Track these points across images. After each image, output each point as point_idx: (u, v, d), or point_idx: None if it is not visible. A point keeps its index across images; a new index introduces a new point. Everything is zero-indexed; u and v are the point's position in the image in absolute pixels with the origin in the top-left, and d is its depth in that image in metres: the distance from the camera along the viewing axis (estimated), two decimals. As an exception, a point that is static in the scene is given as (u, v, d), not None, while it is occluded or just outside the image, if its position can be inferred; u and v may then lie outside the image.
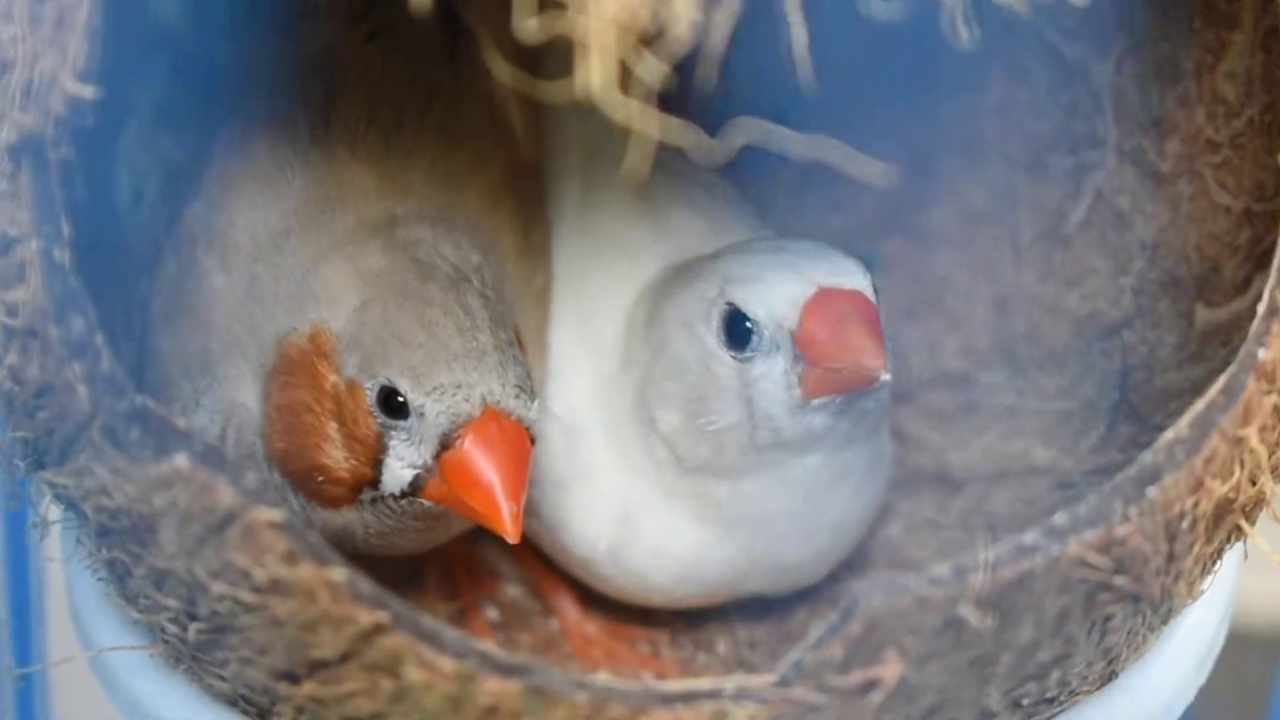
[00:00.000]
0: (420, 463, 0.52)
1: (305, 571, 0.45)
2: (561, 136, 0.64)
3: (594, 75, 0.41)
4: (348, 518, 0.55)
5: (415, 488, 0.53)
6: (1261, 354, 0.50)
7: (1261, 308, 0.51)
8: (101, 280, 0.57)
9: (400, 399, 0.52)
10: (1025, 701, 0.50)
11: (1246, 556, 0.55)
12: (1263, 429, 0.50)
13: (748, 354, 0.56)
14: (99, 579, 0.52)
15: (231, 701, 0.50)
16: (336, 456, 0.53)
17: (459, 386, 0.52)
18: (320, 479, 0.54)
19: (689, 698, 0.46)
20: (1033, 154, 0.67)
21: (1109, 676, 0.52)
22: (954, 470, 0.67)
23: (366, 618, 0.46)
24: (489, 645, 0.46)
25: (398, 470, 0.53)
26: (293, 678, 0.47)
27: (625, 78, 0.41)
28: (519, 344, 0.54)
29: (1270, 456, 0.51)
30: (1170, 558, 0.50)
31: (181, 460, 0.46)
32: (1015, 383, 0.67)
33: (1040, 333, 0.67)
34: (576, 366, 0.61)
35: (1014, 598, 0.47)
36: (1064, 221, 0.66)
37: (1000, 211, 0.68)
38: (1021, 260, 0.67)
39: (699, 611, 0.64)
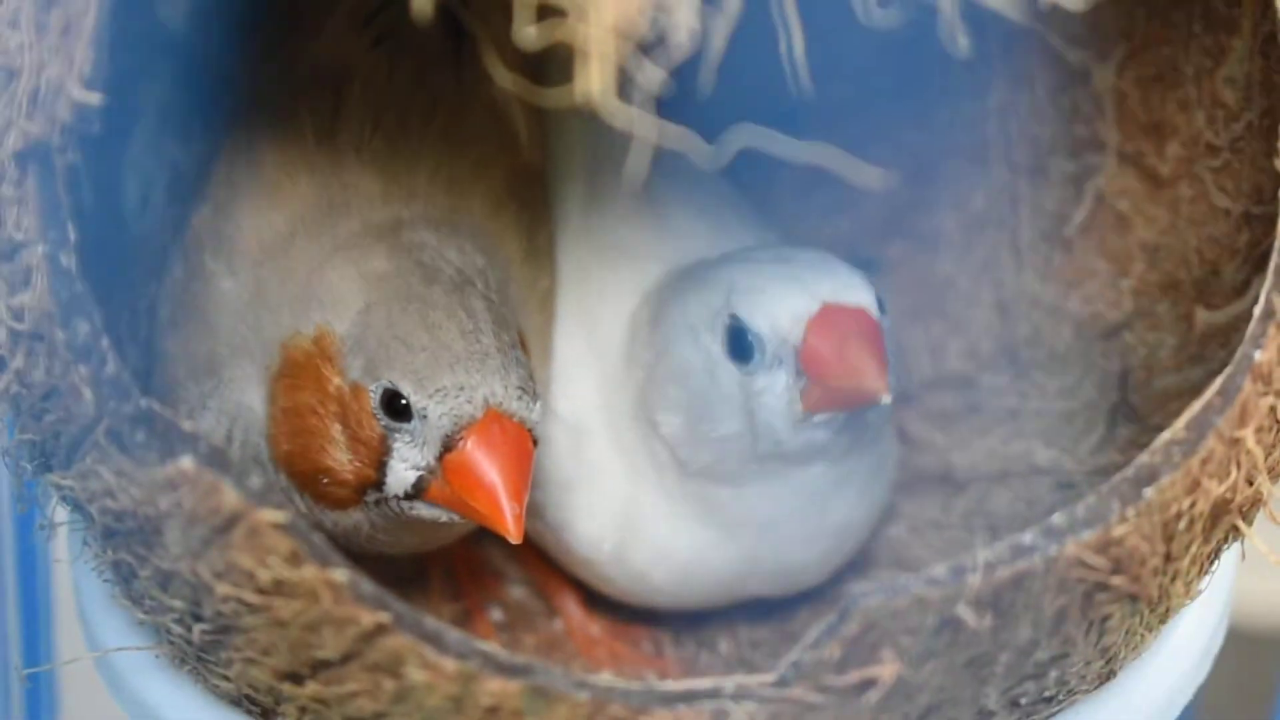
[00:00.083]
0: (423, 464, 0.53)
1: (308, 572, 0.46)
2: (565, 141, 0.64)
3: (594, 82, 0.41)
4: (353, 519, 0.55)
5: (419, 489, 0.53)
6: (1258, 356, 0.50)
7: (1258, 310, 0.51)
8: (108, 284, 0.57)
9: (403, 401, 0.52)
10: (1023, 701, 0.50)
11: (1244, 556, 0.55)
12: (1259, 430, 0.51)
13: (750, 367, 0.56)
14: (105, 580, 0.52)
15: (236, 702, 0.50)
16: (341, 459, 0.54)
17: (461, 388, 0.52)
18: (325, 481, 0.54)
19: (689, 697, 0.47)
20: (1034, 157, 0.67)
21: (1107, 676, 0.53)
22: (957, 471, 0.67)
23: (368, 618, 0.46)
24: (490, 645, 0.47)
25: (401, 472, 0.53)
26: (296, 678, 0.48)
27: (624, 83, 0.42)
28: (522, 346, 0.55)
29: (1267, 457, 0.51)
30: (1167, 558, 0.50)
31: (186, 462, 0.46)
32: (1017, 384, 0.67)
33: (1041, 334, 0.67)
34: (581, 368, 0.62)
35: (1011, 597, 0.47)
36: (1065, 224, 0.66)
37: (1001, 214, 0.68)
38: (1022, 263, 0.68)
39: (702, 611, 0.64)
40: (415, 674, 0.47)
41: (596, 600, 0.64)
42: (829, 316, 0.55)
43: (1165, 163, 0.62)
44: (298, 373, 0.54)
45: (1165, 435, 0.49)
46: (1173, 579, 0.51)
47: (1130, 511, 0.48)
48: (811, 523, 0.60)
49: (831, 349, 0.54)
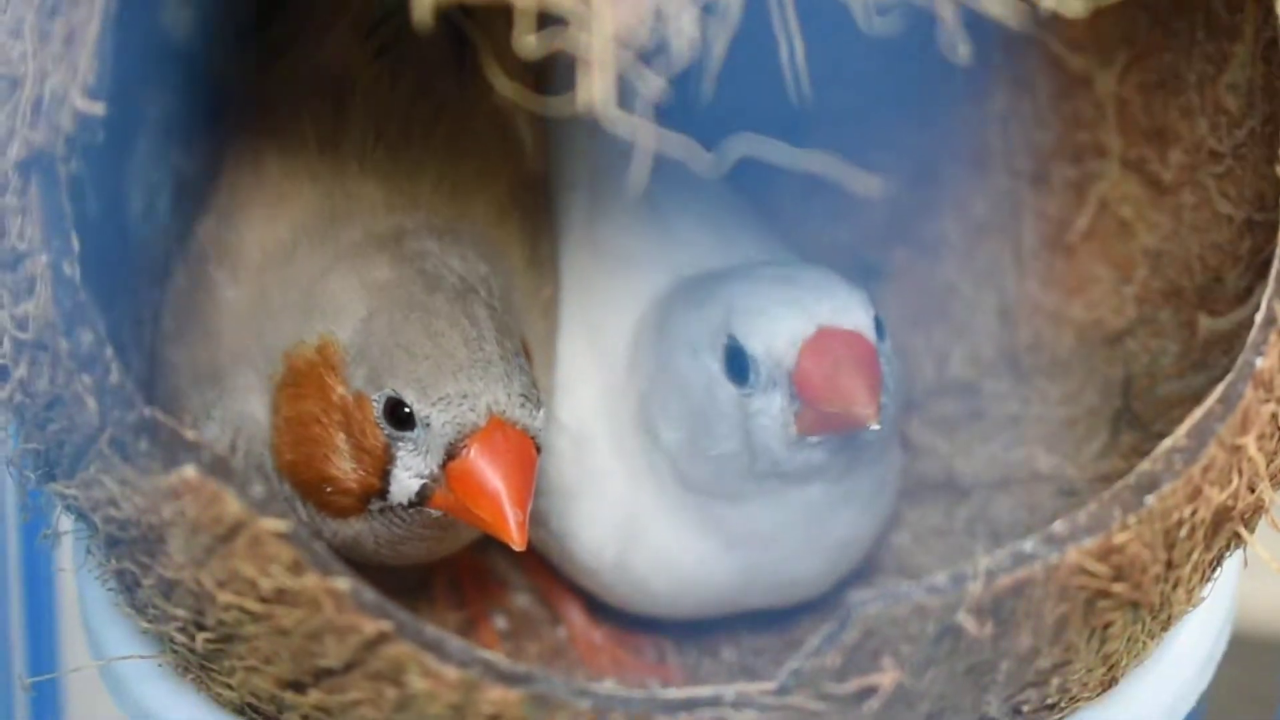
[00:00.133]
0: (427, 473, 0.53)
1: (310, 581, 0.46)
2: (568, 149, 0.65)
3: (594, 90, 0.41)
4: (357, 528, 0.55)
5: (422, 497, 0.53)
6: (1259, 363, 0.50)
7: (1259, 317, 0.51)
8: (112, 293, 0.57)
9: (406, 410, 0.52)
10: (1025, 708, 0.50)
11: (1246, 564, 0.55)
12: (1261, 437, 0.51)
13: (747, 388, 0.56)
14: (109, 589, 0.52)
15: (239, 710, 0.51)
16: (344, 468, 0.54)
17: (465, 396, 0.52)
18: (329, 490, 0.54)
19: (690, 705, 0.47)
20: (1036, 164, 0.67)
21: (1109, 683, 0.53)
22: (960, 478, 0.67)
23: (370, 627, 0.46)
24: (492, 654, 0.47)
25: (405, 480, 0.53)
26: (299, 686, 0.48)
27: (625, 92, 0.42)
28: (525, 354, 0.55)
29: (1268, 464, 0.51)
30: (1169, 565, 0.50)
31: (189, 471, 0.46)
32: (1019, 391, 0.67)
33: (1044, 341, 0.67)
34: (584, 377, 0.62)
35: (1012, 605, 0.47)
36: (1067, 231, 0.66)
37: (1004, 221, 0.68)
38: (1025, 269, 0.68)
39: (705, 619, 0.64)
40: (417, 682, 0.47)
41: (599, 608, 0.64)
42: (823, 340, 0.55)
43: (1168, 169, 0.62)
44: (301, 382, 0.54)
45: (1167, 443, 0.49)
46: (1174, 586, 0.51)
47: (1132, 519, 0.48)
48: (813, 538, 0.60)
49: (823, 373, 0.54)
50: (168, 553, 0.47)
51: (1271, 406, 0.51)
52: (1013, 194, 0.68)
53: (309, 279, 0.56)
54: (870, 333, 0.56)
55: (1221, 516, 0.50)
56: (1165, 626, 0.53)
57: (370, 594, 0.46)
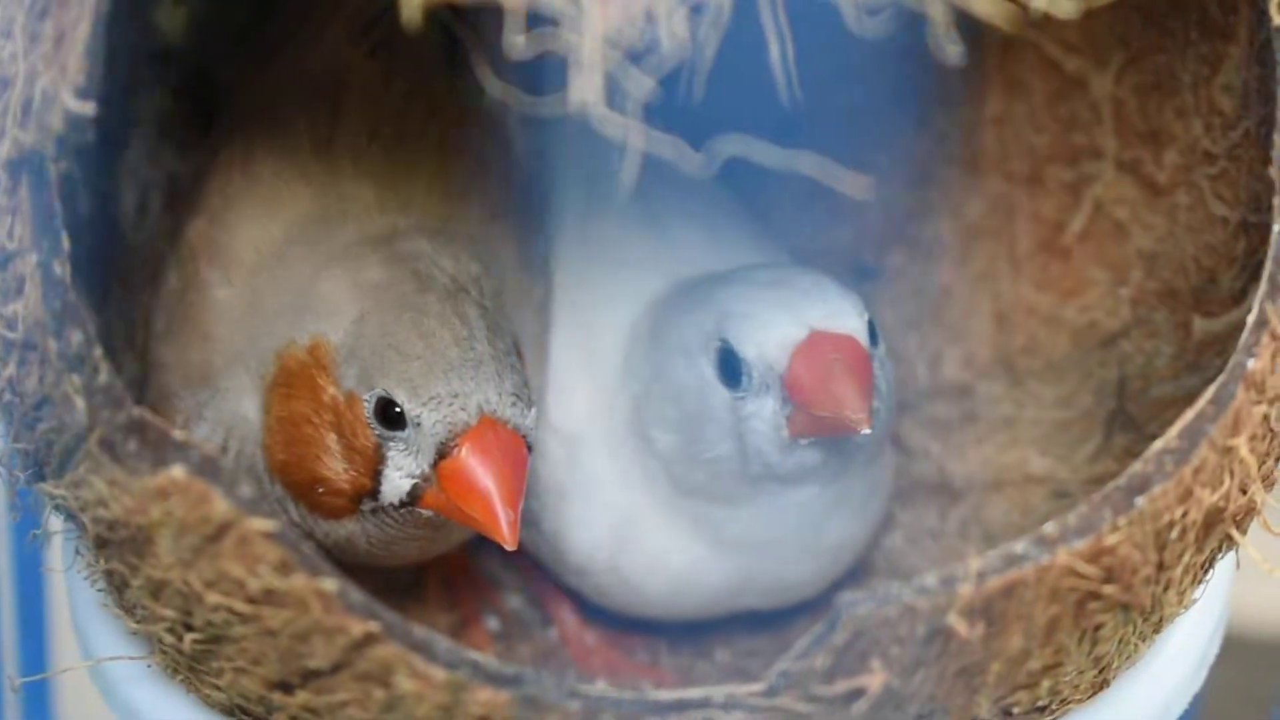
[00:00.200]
0: (418, 472, 0.53)
1: (298, 581, 0.46)
2: (561, 150, 0.65)
3: (583, 91, 0.41)
4: (349, 529, 0.55)
5: (414, 497, 0.53)
6: (1250, 364, 0.50)
7: (1251, 318, 0.51)
8: (105, 293, 0.57)
9: (397, 409, 0.52)
10: (1016, 710, 0.50)
11: (1239, 565, 0.55)
12: (1252, 438, 0.51)
13: (740, 392, 0.56)
14: (98, 590, 0.52)
15: (228, 711, 0.50)
16: (336, 468, 0.54)
17: (455, 396, 0.52)
18: (320, 490, 0.54)
19: (679, 707, 0.47)
20: (1031, 166, 0.67)
21: (1101, 685, 0.53)
22: (953, 480, 0.67)
23: (358, 628, 0.46)
24: (480, 655, 0.47)
25: (396, 480, 0.53)
26: (287, 687, 0.48)
27: (614, 92, 0.42)
28: (518, 353, 0.55)
29: (1260, 466, 0.51)
30: (1160, 567, 0.50)
31: (178, 471, 0.46)
32: (1013, 393, 0.67)
33: (1038, 343, 0.67)
34: (576, 378, 0.62)
35: (1003, 607, 0.47)
36: (1062, 233, 0.66)
37: (999, 223, 0.68)
38: (1020, 272, 0.67)
39: (698, 621, 0.64)
40: (405, 683, 0.47)
41: (592, 609, 0.64)
42: (816, 344, 0.55)
43: (1163, 171, 0.62)
44: (293, 382, 0.54)
45: (1158, 444, 0.49)
46: (1166, 588, 0.50)
47: (1122, 520, 0.48)
48: (806, 541, 0.60)
49: (815, 377, 0.54)
50: (156, 553, 0.47)
51: (1263, 408, 0.51)
52: (1007, 196, 0.68)
53: (301, 279, 0.56)
54: (863, 337, 0.56)
55: (1213, 518, 0.50)
56: (1157, 629, 0.52)
57: (358, 595, 0.46)
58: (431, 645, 0.47)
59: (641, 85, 0.41)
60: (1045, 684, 0.50)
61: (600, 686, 0.47)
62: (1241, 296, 0.58)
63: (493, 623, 0.65)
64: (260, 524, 0.46)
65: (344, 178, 0.58)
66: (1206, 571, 0.52)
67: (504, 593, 0.66)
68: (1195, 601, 0.53)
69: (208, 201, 0.58)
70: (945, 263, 0.70)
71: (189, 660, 0.50)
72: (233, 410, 0.56)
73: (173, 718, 0.52)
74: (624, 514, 0.60)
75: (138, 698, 0.53)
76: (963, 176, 0.69)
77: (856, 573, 0.64)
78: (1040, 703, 0.50)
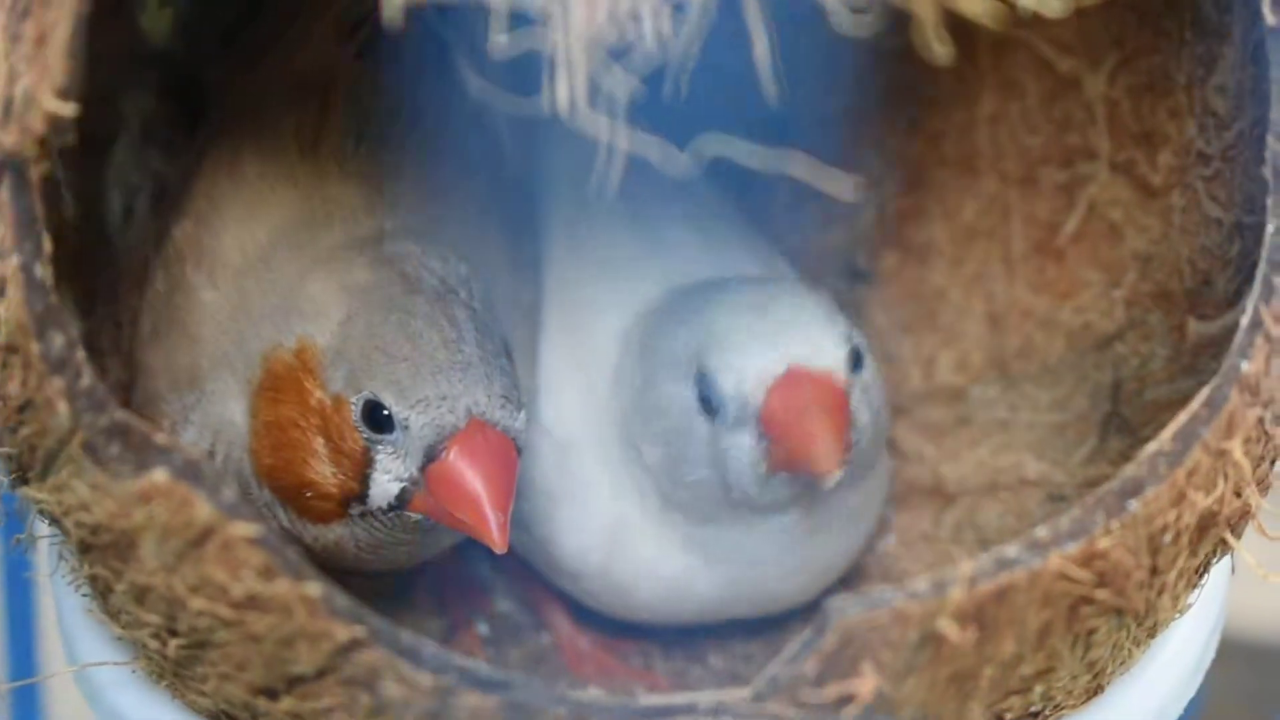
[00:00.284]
0: (407, 476, 0.52)
1: (281, 586, 0.46)
2: (551, 150, 0.64)
3: (564, 90, 0.41)
4: (338, 533, 0.55)
5: (402, 501, 0.53)
6: (1245, 366, 0.50)
7: (1244, 320, 0.51)
8: (91, 296, 0.57)
9: (385, 412, 0.52)
10: (1009, 716, 0.50)
11: (1235, 570, 0.55)
12: (1247, 441, 0.50)
13: (719, 422, 0.56)
14: (83, 595, 0.52)
15: (214, 717, 0.50)
16: (324, 472, 0.53)
17: (444, 398, 0.52)
18: (308, 494, 0.54)
19: (666, 712, 0.46)
20: (1025, 167, 0.67)
21: (1095, 691, 0.52)
22: (947, 483, 0.67)
23: (343, 633, 0.46)
24: (467, 660, 0.46)
25: (384, 484, 0.53)
26: (271, 693, 0.48)
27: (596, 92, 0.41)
28: (507, 355, 0.54)
29: (1255, 469, 0.51)
30: (1154, 571, 0.49)
31: (160, 475, 0.46)
32: (1008, 396, 0.67)
33: (1033, 346, 0.66)
34: (567, 381, 0.61)
35: (994, 611, 0.47)
36: (1056, 234, 0.66)
37: (993, 225, 0.68)
38: (1014, 274, 0.67)
39: (693, 625, 0.63)
40: (391, 689, 0.46)
41: (585, 614, 0.64)
42: (791, 383, 0.54)
43: (1157, 172, 0.62)
44: (279, 385, 0.54)
45: (1151, 447, 0.49)
46: (1159, 593, 0.50)
47: (1115, 524, 0.48)
48: (795, 560, 0.60)
49: (788, 418, 0.54)
50: (139, 558, 0.47)
51: (1257, 410, 0.50)
52: (1001, 198, 0.68)
53: (288, 282, 0.55)
54: (842, 372, 0.55)
55: (1207, 522, 0.50)
56: (1152, 634, 0.52)
57: (343, 599, 0.46)
58: (418, 650, 0.46)
59: (624, 85, 0.41)
60: (1038, 689, 0.49)
61: (587, 692, 0.47)
62: (1236, 299, 0.58)
63: (483, 627, 0.64)
64: (243, 528, 0.46)
65: (331, 179, 0.57)
66: (1201, 576, 0.52)
67: (495, 597, 0.66)
68: (1190, 606, 0.53)
69: (194, 204, 0.58)
70: (939, 265, 0.69)
71: (174, 666, 0.49)
72: (219, 414, 0.55)
73: (159, 723, 0.52)
74: (615, 519, 0.60)
75: (123, 703, 0.53)
76: (956, 178, 0.69)
77: (849, 578, 0.64)
78: (1033, 708, 0.50)
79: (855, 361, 0.56)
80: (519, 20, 0.42)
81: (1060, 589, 0.48)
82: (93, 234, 0.58)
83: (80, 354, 0.47)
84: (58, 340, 0.48)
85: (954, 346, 0.69)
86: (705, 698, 0.46)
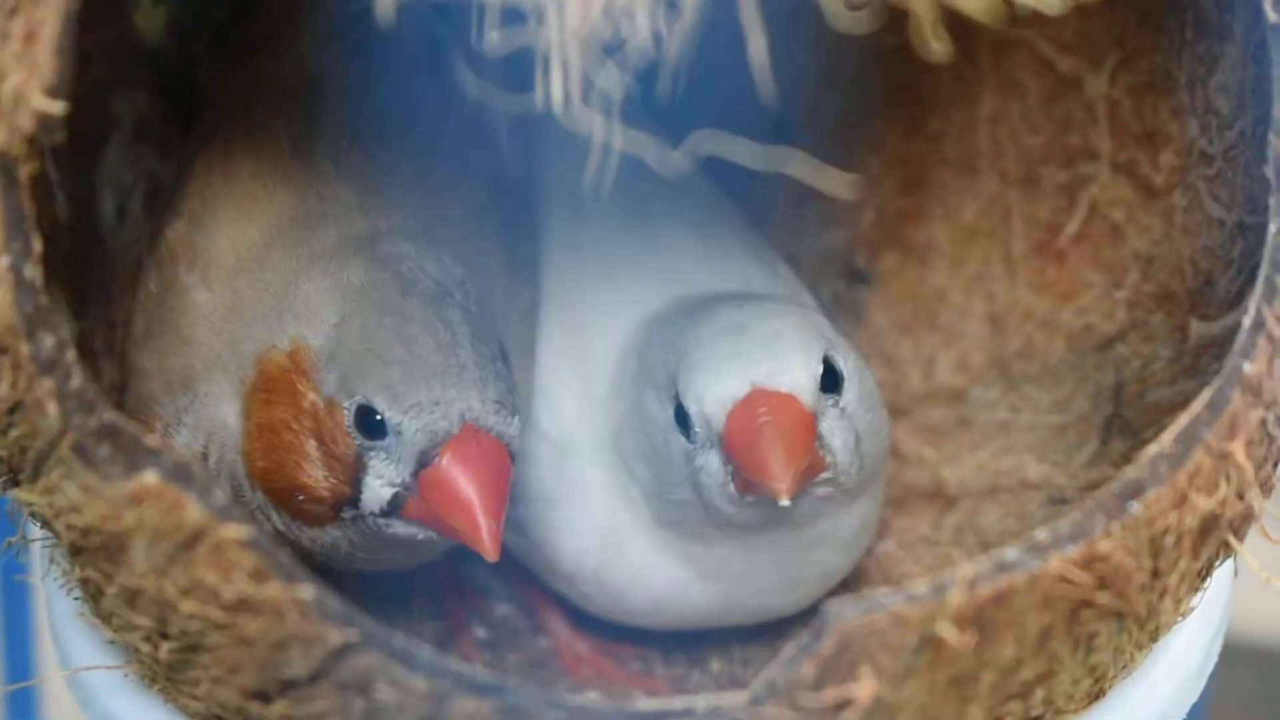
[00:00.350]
0: (399, 481, 0.52)
1: (273, 589, 0.45)
2: (549, 150, 0.64)
3: (557, 86, 0.40)
4: (332, 536, 0.54)
5: (395, 506, 0.52)
6: (1247, 367, 0.50)
7: (1247, 321, 0.50)
8: (84, 297, 0.57)
9: (378, 417, 0.51)
10: (1009, 721, 0.49)
11: (1238, 574, 0.54)
12: (1249, 443, 0.50)
13: (691, 444, 0.55)
14: (74, 598, 0.52)
15: (206, 721, 0.50)
16: (316, 475, 0.53)
17: (437, 403, 0.51)
18: (300, 498, 0.53)
19: (661, 717, 0.46)
20: (1026, 167, 0.66)
21: (1096, 695, 0.52)
22: (948, 486, 0.66)
23: (336, 636, 0.45)
24: (461, 664, 0.46)
25: (377, 489, 0.52)
26: (264, 697, 0.47)
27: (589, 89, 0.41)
28: (503, 359, 0.54)
29: (1257, 471, 0.50)
30: (1155, 574, 0.49)
31: (150, 477, 0.46)
32: (1008, 398, 0.66)
33: (1034, 347, 0.66)
34: (565, 384, 0.61)
35: (994, 615, 0.47)
36: (1058, 235, 0.66)
37: (993, 225, 0.68)
38: (1015, 274, 0.67)
39: (690, 630, 0.63)
40: (385, 693, 0.46)
41: (584, 619, 0.64)
42: (751, 405, 0.54)
43: (1159, 172, 0.62)
44: (273, 387, 0.53)
45: (1152, 448, 0.49)
46: (1161, 596, 0.50)
47: (1115, 526, 0.48)
48: (789, 575, 0.60)
49: (745, 441, 0.53)
50: (130, 560, 0.47)
51: (1260, 412, 0.50)
52: (1002, 198, 0.67)
53: (282, 282, 0.55)
54: (808, 394, 0.54)
55: (1209, 524, 0.50)
56: (1153, 637, 0.52)
57: (336, 602, 0.46)
58: (412, 654, 0.46)
59: (618, 82, 0.40)
60: (1039, 694, 0.49)
61: (582, 697, 0.47)
62: (1238, 299, 0.57)
63: (481, 631, 0.64)
64: (234, 531, 0.45)
65: (325, 179, 0.57)
66: (1204, 579, 0.52)
67: (493, 600, 0.65)
68: (1193, 610, 0.52)
69: (187, 204, 0.58)
70: (939, 265, 0.69)
71: (166, 669, 0.49)
72: (213, 416, 0.55)
73: (151, 728, 0.51)
74: (612, 523, 0.60)
75: (116, 707, 0.52)
76: (956, 178, 0.68)
77: (849, 581, 0.64)
78: (1034, 713, 0.50)
79: (832, 383, 0.55)
80: (513, 16, 0.42)
81: (1060, 592, 0.47)
82: (86, 234, 0.58)
83: (71, 355, 0.47)
84: (48, 341, 0.47)
85: (954, 347, 0.68)
86: (702, 702, 0.46)
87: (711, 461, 0.55)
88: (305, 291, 0.54)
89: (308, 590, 0.45)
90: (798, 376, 0.54)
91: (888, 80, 0.68)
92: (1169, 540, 0.49)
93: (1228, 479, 0.49)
